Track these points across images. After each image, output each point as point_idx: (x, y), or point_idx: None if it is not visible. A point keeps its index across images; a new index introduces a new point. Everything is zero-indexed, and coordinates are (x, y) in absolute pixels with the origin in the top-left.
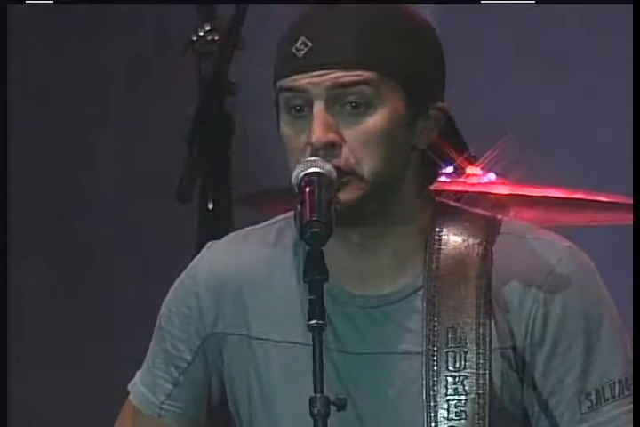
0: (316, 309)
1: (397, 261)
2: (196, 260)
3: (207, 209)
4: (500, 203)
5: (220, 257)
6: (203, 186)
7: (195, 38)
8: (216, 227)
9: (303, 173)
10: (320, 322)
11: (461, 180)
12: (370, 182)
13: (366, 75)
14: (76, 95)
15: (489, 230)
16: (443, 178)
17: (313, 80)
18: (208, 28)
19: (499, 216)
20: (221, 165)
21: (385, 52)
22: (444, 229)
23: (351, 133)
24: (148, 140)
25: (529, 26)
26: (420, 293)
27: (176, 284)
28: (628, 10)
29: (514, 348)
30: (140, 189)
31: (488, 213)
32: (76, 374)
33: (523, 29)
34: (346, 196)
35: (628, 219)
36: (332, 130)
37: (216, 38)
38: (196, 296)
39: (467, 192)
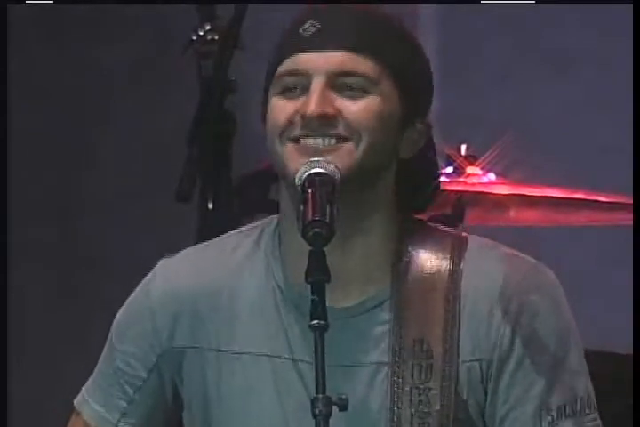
0: (317, 309)
1: (365, 272)
2: (148, 277)
3: (207, 209)
4: (500, 203)
5: (175, 272)
6: (203, 186)
7: (195, 38)
8: (216, 227)
9: (306, 173)
10: (321, 322)
11: (461, 180)
12: (364, 151)
13: (369, 63)
14: (76, 95)
15: (456, 246)
16: (442, 178)
17: (317, 59)
18: (208, 27)
19: (464, 233)
20: (221, 165)
21: (389, 48)
22: (413, 244)
23: (348, 109)
24: (148, 141)
25: (529, 26)
26: (387, 304)
27: (128, 302)
28: (628, 10)
29: (481, 360)
30: (140, 189)
31: (453, 231)
32: (75, 374)
33: (523, 29)
34: (340, 162)
35: (627, 219)
36: (328, 103)
37: (216, 38)
38: (150, 312)
39: (467, 192)
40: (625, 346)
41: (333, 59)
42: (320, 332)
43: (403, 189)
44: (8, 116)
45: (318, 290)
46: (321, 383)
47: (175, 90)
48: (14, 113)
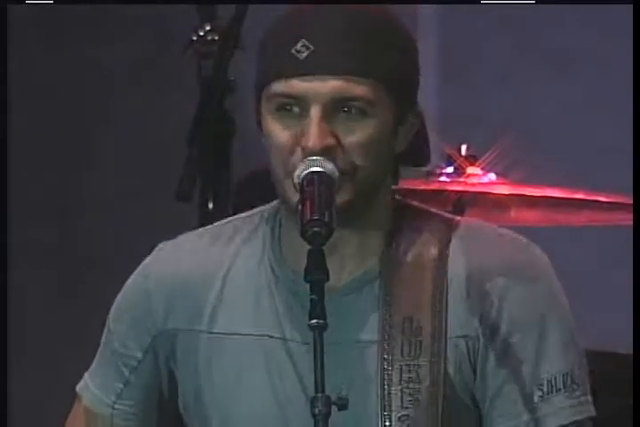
0: (316, 308)
1: (357, 252)
2: (147, 260)
3: (207, 209)
4: (500, 203)
5: (172, 255)
6: (203, 186)
7: (195, 38)
8: None
9: (305, 172)
10: (321, 321)
11: (461, 180)
12: (360, 185)
13: (366, 85)
14: (77, 95)
15: (448, 227)
16: (443, 178)
17: (314, 85)
18: (208, 28)
19: (457, 217)
20: (221, 165)
21: (383, 62)
22: (405, 226)
23: (346, 137)
24: (148, 141)
25: (529, 26)
26: (377, 284)
27: (126, 285)
28: (628, 10)
29: (467, 337)
30: (140, 189)
31: (447, 214)
32: (75, 374)
33: (523, 29)
34: (339, 198)
35: (627, 219)
36: (328, 135)
37: (216, 38)
38: (146, 294)
39: (467, 192)
40: (625, 346)
41: (331, 85)
42: (319, 331)
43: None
44: (8, 116)
45: (317, 289)
46: (320, 383)
47: (175, 90)
48: (14, 113)
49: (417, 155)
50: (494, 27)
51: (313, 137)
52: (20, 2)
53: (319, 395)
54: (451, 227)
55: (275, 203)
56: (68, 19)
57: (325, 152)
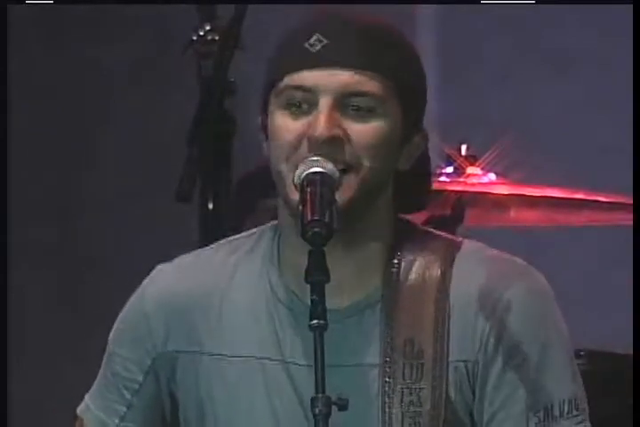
0: (317, 309)
1: (358, 274)
2: (145, 282)
3: (207, 209)
4: (500, 203)
5: (169, 277)
6: (203, 186)
7: (195, 38)
8: (216, 227)
9: (305, 172)
10: (321, 322)
11: (461, 180)
12: (364, 183)
13: (376, 81)
14: (77, 95)
15: (449, 250)
16: (442, 178)
17: (324, 77)
18: (208, 28)
19: (459, 238)
20: (221, 165)
21: (392, 62)
22: (405, 247)
23: (355, 131)
24: (148, 141)
25: (529, 26)
26: (379, 306)
27: (125, 307)
28: (628, 10)
29: (466, 362)
30: (140, 189)
31: (449, 236)
32: (75, 374)
33: (523, 29)
34: (341, 195)
35: (627, 219)
36: (336, 125)
37: (216, 38)
38: (145, 316)
39: (467, 192)
40: (625, 346)
41: (342, 78)
42: (320, 331)
43: (399, 191)
44: (8, 116)
45: (318, 290)
46: (320, 383)
47: (175, 90)
48: (14, 113)
49: (416, 200)
50: (494, 27)
51: (321, 126)
52: (20, 2)
53: (319, 395)
54: (453, 249)
55: (274, 222)
56: (68, 19)
57: (332, 143)
